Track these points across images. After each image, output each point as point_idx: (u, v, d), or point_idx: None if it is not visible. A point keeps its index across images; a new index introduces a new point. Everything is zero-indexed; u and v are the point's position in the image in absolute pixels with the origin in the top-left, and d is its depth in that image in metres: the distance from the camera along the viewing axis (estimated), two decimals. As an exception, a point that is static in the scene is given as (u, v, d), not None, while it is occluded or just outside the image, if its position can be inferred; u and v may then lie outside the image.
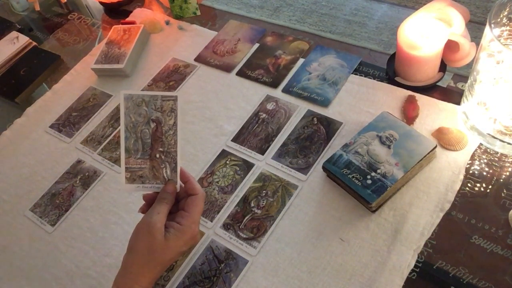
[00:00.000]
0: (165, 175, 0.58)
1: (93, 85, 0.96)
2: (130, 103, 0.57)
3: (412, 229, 0.63)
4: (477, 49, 0.65)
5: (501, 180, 0.66)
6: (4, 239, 0.76)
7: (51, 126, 0.91)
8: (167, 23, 1.04)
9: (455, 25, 0.71)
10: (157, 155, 0.58)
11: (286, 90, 0.84)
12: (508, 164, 0.67)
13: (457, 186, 0.66)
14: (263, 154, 0.76)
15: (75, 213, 0.77)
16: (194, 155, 0.79)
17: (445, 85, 0.79)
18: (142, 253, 0.55)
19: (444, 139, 0.70)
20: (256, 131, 0.79)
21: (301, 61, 0.88)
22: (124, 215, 0.74)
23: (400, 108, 0.76)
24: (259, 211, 0.70)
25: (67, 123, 0.90)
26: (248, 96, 0.85)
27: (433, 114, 0.74)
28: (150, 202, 0.60)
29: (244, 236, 0.68)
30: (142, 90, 0.91)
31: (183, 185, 0.60)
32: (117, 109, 0.89)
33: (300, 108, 0.80)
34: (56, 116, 0.92)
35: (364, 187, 0.65)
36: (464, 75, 0.79)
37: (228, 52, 0.94)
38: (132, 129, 0.58)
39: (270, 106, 0.82)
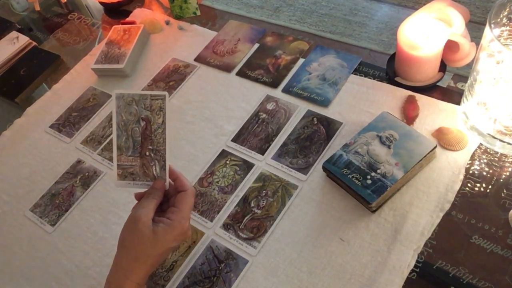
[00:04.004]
0: (154, 172, 0.59)
1: (93, 85, 0.96)
2: (121, 102, 0.59)
3: (412, 229, 0.63)
4: (477, 49, 0.65)
5: (501, 180, 0.66)
6: (4, 239, 0.76)
7: (51, 126, 0.91)
8: (167, 23, 1.04)
9: (455, 25, 0.71)
10: (147, 153, 0.59)
11: (286, 90, 0.84)
12: (508, 164, 0.67)
13: (457, 186, 0.66)
14: (263, 154, 0.76)
15: (75, 213, 0.77)
16: (194, 155, 0.79)
17: (445, 85, 0.79)
18: (130, 248, 0.55)
19: (444, 139, 0.70)
20: (256, 131, 0.79)
21: (301, 61, 0.88)
22: (124, 215, 0.74)
23: (400, 108, 0.76)
24: (259, 211, 0.70)
25: (67, 123, 0.90)
26: (248, 96, 0.85)
27: (433, 114, 0.74)
28: None
29: (244, 236, 0.68)
30: (142, 90, 0.91)
31: (172, 182, 0.60)
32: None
33: (300, 108, 0.80)
34: (56, 116, 0.92)
35: (364, 187, 0.65)
36: (464, 75, 0.79)
37: (228, 52, 0.94)
38: (123, 127, 0.59)
39: (270, 106, 0.82)
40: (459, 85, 0.78)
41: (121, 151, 0.59)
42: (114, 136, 0.59)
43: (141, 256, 0.55)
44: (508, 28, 0.64)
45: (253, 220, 0.69)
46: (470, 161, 0.68)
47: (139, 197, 0.60)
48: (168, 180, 0.60)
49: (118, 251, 0.57)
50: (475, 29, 0.84)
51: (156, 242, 0.55)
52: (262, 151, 0.76)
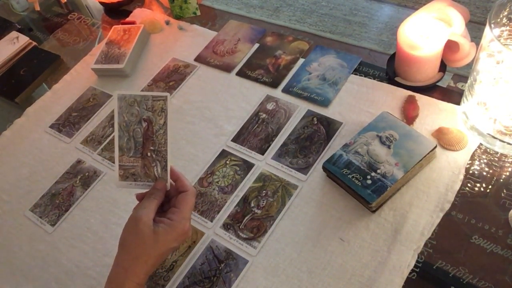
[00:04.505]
0: (156, 173, 0.60)
1: (93, 85, 0.96)
2: (123, 103, 0.59)
3: (412, 229, 0.63)
4: (477, 49, 0.65)
5: (501, 180, 0.66)
6: (4, 239, 0.76)
7: (51, 126, 0.91)
8: (167, 23, 1.04)
9: (455, 25, 0.71)
10: (148, 154, 0.59)
11: (286, 90, 0.84)
12: (508, 164, 0.67)
13: (457, 186, 0.66)
14: (263, 154, 0.76)
15: (75, 213, 0.77)
16: (194, 155, 0.79)
17: (445, 85, 0.79)
18: (131, 248, 0.55)
19: (444, 139, 0.70)
20: (256, 131, 0.79)
21: (301, 61, 0.88)
22: (124, 215, 0.74)
23: (400, 108, 0.76)
24: (259, 211, 0.70)
25: (67, 123, 0.90)
26: (248, 96, 0.85)
27: (433, 114, 0.74)
28: None
29: (244, 236, 0.68)
30: (142, 90, 0.91)
31: (173, 183, 0.61)
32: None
33: (300, 108, 0.80)
34: (56, 116, 0.92)
35: (364, 187, 0.65)
36: (464, 75, 0.79)
37: (228, 52, 0.94)
38: (125, 128, 0.59)
39: (270, 106, 0.82)
40: (459, 85, 0.78)
41: (122, 152, 0.60)
42: (115, 136, 0.59)
43: (142, 256, 0.55)
44: (508, 28, 0.64)
45: (253, 220, 0.69)
46: (470, 161, 0.68)
47: (140, 197, 0.61)
48: (169, 180, 0.60)
49: (119, 251, 0.57)
50: (475, 29, 0.84)
51: (157, 242, 0.55)
52: (262, 151, 0.76)
